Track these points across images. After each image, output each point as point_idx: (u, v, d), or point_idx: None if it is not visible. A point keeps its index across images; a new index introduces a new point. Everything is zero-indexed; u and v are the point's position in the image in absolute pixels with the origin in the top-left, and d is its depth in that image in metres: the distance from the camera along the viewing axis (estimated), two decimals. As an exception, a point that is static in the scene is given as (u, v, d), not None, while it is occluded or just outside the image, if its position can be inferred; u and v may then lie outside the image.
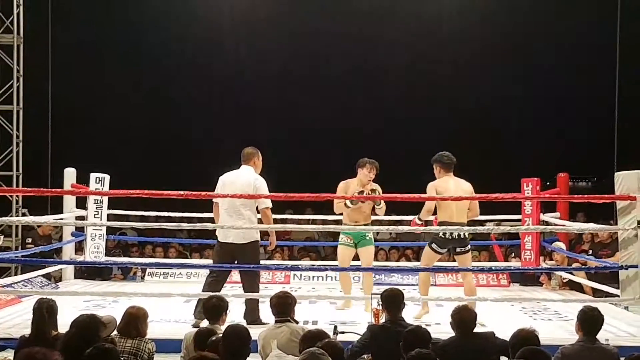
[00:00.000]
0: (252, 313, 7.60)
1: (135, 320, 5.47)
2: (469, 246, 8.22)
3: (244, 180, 7.79)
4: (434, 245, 8.12)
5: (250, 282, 7.83)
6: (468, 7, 17.73)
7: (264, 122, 18.73)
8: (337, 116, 18.98)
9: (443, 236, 8.01)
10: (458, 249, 8.12)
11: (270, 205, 7.76)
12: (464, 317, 5.48)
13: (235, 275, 10.56)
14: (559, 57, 18.47)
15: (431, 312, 8.13)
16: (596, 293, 9.44)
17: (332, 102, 18.88)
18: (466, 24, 17.86)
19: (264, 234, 8.35)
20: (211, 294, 6.37)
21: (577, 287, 10.11)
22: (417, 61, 18.62)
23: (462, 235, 8.01)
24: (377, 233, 13.30)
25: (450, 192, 8.01)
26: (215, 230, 7.97)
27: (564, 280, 10.37)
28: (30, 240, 11.28)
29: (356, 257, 8.74)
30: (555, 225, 10.26)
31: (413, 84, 18.73)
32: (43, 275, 9.84)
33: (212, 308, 5.75)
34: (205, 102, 19.13)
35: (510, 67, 18.81)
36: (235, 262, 7.79)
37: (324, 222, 10.91)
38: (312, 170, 18.00)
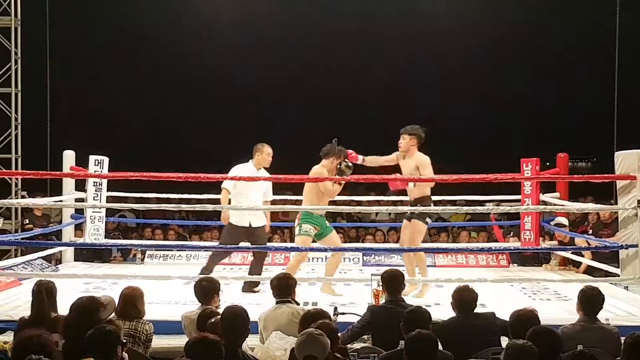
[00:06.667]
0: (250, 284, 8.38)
1: (132, 301, 5.47)
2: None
3: None
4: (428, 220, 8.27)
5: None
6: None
7: (262, 107, 18.78)
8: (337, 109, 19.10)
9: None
10: None
11: (223, 185, 8.50)
12: (464, 298, 5.49)
13: (234, 258, 10.67)
14: (559, 37, 18.45)
15: (431, 292, 8.11)
16: (595, 272, 9.46)
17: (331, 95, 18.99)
18: (467, 5, 17.87)
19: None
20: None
21: (579, 267, 10.15)
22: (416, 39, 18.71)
23: None
24: (377, 214, 13.37)
25: None
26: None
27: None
28: (27, 221, 11.27)
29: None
30: (555, 205, 10.25)
31: (413, 63, 18.77)
32: (43, 258, 9.83)
33: (203, 290, 5.77)
34: (205, 84, 19.12)
35: (509, 47, 18.78)
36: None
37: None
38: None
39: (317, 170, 8.26)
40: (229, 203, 8.48)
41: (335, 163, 8.23)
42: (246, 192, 8.55)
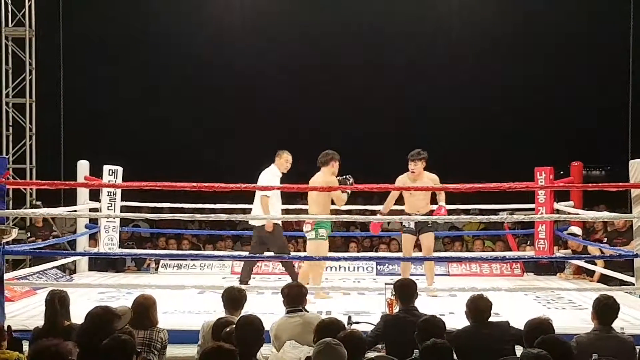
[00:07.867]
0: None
1: (145, 310, 5.46)
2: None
3: None
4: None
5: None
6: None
7: (273, 115, 18.83)
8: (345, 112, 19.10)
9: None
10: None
11: (265, 194, 8.84)
12: (479, 306, 5.46)
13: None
14: (572, 44, 18.39)
15: (445, 302, 8.10)
16: (610, 281, 9.41)
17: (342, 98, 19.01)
18: (476, 12, 17.84)
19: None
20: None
21: (592, 275, 10.10)
22: (420, 50, 18.76)
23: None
24: (389, 223, 13.36)
25: None
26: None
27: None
28: (29, 234, 11.28)
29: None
30: (569, 214, 10.21)
31: (421, 75, 18.78)
32: (57, 267, 9.86)
33: (234, 299, 5.76)
34: (216, 95, 19.17)
35: (521, 55, 18.74)
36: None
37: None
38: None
39: (328, 179, 8.42)
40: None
41: (336, 166, 8.66)
42: (278, 195, 9.15)
